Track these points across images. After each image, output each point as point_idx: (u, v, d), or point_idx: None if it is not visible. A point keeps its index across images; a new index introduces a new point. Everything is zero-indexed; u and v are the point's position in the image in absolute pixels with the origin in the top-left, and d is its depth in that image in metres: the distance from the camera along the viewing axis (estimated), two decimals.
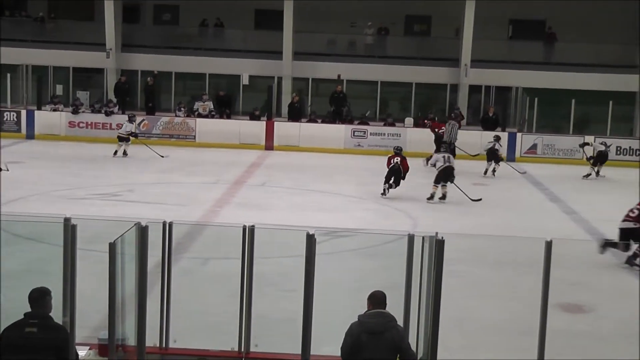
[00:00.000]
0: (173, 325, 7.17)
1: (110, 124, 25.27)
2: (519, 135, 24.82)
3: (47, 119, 25.48)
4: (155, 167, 20.67)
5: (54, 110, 25.77)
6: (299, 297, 6.52)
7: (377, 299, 5.84)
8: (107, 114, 25.50)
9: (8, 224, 9.84)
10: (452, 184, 17.46)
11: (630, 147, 24.73)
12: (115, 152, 22.43)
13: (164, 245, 6.98)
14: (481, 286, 10.84)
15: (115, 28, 28.09)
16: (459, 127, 23.36)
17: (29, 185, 16.81)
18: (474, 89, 28.38)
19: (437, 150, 20.52)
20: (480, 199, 17.33)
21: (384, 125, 26.06)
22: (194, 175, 19.81)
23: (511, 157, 23.90)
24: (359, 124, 26.02)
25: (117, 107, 26.21)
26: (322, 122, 26.20)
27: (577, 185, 20.77)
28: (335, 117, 26.51)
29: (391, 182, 17.60)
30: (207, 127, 25.31)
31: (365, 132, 25.34)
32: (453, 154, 20.23)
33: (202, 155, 23.21)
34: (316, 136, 25.07)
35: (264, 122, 25.47)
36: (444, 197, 17.32)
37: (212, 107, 26.32)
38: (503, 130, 25.10)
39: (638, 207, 12.94)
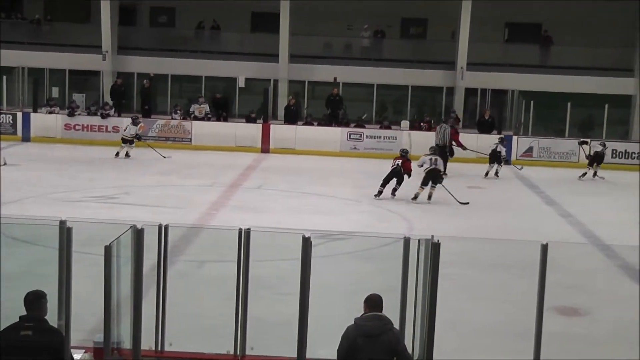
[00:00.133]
0: (168, 328, 7.16)
1: (107, 127, 25.28)
2: (514, 138, 24.84)
3: (43, 121, 25.45)
4: (151, 170, 20.66)
5: (50, 112, 25.73)
6: (294, 300, 6.52)
7: (373, 302, 5.84)
8: (103, 116, 25.49)
9: (3, 227, 9.82)
10: (441, 185, 17.51)
11: (625, 150, 24.77)
12: (117, 154, 22.51)
13: (160, 248, 6.98)
14: (477, 289, 10.83)
15: (112, 30, 28.09)
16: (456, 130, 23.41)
17: (25, 187, 16.79)
18: (470, 92, 28.42)
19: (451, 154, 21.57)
20: (467, 203, 17.35)
21: (380, 128, 26.07)
22: (190, 178, 19.79)
23: (507, 161, 23.88)
24: (355, 126, 26.03)
25: (113, 109, 26.19)
26: (318, 124, 26.20)
27: (573, 188, 20.79)
28: (331, 120, 26.51)
29: (394, 185, 17.66)
30: (203, 129, 25.30)
31: (361, 135, 25.36)
32: (444, 156, 20.32)
33: (198, 157, 23.20)
34: (312, 139, 25.07)
35: (260, 125, 25.47)
36: (429, 197, 17.47)
37: (208, 109, 26.31)
38: (499, 133, 25.12)
39: None
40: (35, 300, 5.61)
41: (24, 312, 5.59)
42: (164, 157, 22.33)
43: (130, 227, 6.61)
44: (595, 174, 22.34)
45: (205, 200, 16.49)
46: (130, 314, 6.74)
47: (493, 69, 27.95)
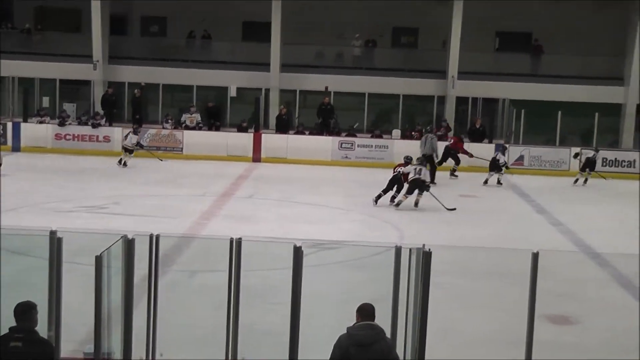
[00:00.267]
0: (160, 338, 7.13)
1: (98, 136, 25.25)
2: (506, 146, 24.82)
3: (34, 131, 25.39)
4: (142, 180, 20.61)
5: (41, 122, 25.67)
6: (286, 310, 6.52)
7: (366, 312, 5.83)
8: (94, 126, 25.45)
9: None
10: (428, 192, 17.66)
11: (616, 158, 24.86)
12: (120, 161, 22.71)
13: (151, 258, 6.95)
14: (468, 298, 10.83)
15: (102, 40, 28.05)
16: (447, 139, 23.45)
17: (15, 197, 16.70)
18: (461, 101, 28.48)
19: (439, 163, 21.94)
20: (454, 209, 17.46)
21: (372, 137, 26.10)
22: (181, 187, 19.77)
23: (506, 168, 23.92)
24: (346, 135, 26.05)
25: (104, 119, 26.15)
26: (310, 134, 26.21)
27: (563, 196, 20.83)
28: (322, 129, 26.52)
29: (394, 191, 17.79)
30: (195, 139, 25.28)
31: (352, 144, 25.37)
32: (433, 166, 20.50)
33: (190, 167, 23.17)
34: (304, 148, 25.08)
35: (252, 134, 25.47)
36: (416, 204, 17.66)
37: (199, 119, 26.30)
38: (490, 142, 25.23)
39: None
40: (25, 311, 5.58)
41: (14, 323, 5.56)
42: (161, 161, 23.00)
43: (121, 237, 6.59)
44: (586, 180, 22.55)
45: (196, 210, 16.46)
46: (121, 324, 6.72)
47: (484, 78, 28.00)
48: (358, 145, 25.31)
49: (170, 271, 10.58)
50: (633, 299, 11.10)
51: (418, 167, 17.99)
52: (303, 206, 17.87)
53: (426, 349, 6.54)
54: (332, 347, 5.74)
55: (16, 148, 24.99)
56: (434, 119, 28.50)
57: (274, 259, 9.69)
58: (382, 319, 6.07)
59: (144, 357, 7.03)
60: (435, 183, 20.09)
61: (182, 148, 25.16)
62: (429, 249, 6.43)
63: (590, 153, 23.00)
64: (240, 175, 22.12)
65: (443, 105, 28.36)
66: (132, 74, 28.64)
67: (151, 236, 6.90)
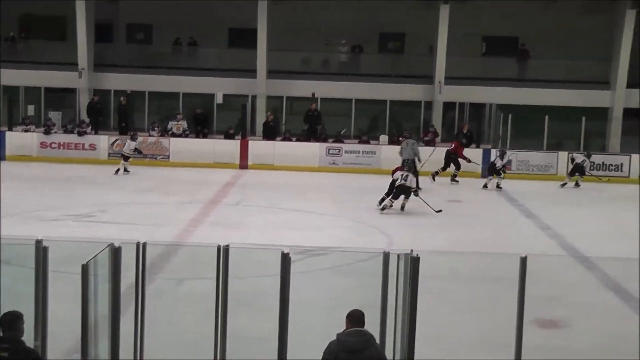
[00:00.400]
0: (147, 346, 7.11)
1: (83, 144, 25.14)
2: (493, 151, 24.88)
3: (19, 139, 25.27)
4: (129, 188, 20.53)
5: (26, 131, 25.54)
6: (274, 316, 6.49)
7: (355, 318, 5.82)
8: (80, 134, 25.35)
9: None
10: (417, 197, 17.82)
11: (603, 162, 24.93)
12: (117, 170, 22.65)
13: (138, 266, 6.92)
14: (457, 303, 10.81)
15: (88, 47, 27.95)
16: (434, 144, 23.49)
17: (1, 206, 16.56)
18: (449, 106, 28.53)
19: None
20: (440, 210, 17.55)
21: (359, 143, 26.10)
22: (168, 195, 19.68)
23: (485, 174, 23.97)
24: (333, 142, 26.03)
25: (90, 127, 26.05)
26: (297, 140, 26.18)
27: (551, 200, 20.87)
28: (309, 135, 26.50)
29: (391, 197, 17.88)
30: (181, 146, 25.21)
31: (340, 150, 25.36)
32: (415, 171, 20.57)
33: (176, 174, 23.08)
34: (291, 155, 25.05)
35: (239, 141, 25.41)
36: (402, 208, 17.81)
37: (185, 126, 26.24)
38: (477, 147, 25.27)
39: None
40: (11, 321, 5.53)
41: (0, 334, 5.50)
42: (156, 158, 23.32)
43: (108, 245, 6.55)
44: (576, 183, 22.88)
45: (183, 217, 16.38)
46: (108, 333, 6.67)
47: (471, 83, 28.07)
48: (345, 152, 25.30)
49: (157, 279, 10.53)
50: (621, 302, 11.12)
51: (405, 174, 18.06)
52: (290, 213, 17.83)
53: (415, 354, 6.52)
54: (321, 354, 5.71)
55: (1, 157, 24.84)
56: (421, 124, 28.54)
57: (261, 266, 9.65)
58: (371, 325, 6.05)
59: None
60: (420, 188, 20.11)
61: (168, 155, 25.07)
62: (417, 255, 6.42)
63: (579, 158, 23.21)
64: (227, 182, 22.05)
65: (430, 110, 28.40)
66: (118, 81, 28.56)
67: (138, 244, 6.88)
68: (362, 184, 22.16)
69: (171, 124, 26.23)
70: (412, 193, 17.90)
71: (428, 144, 25.90)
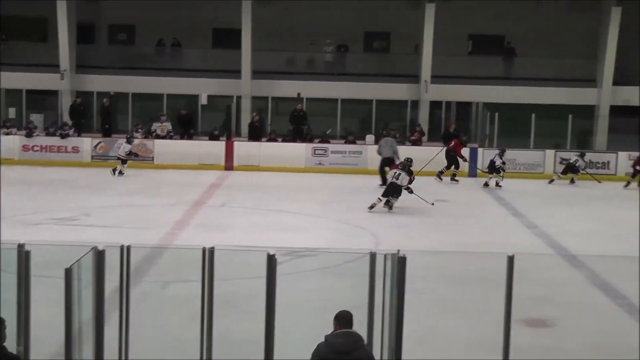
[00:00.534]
0: (132, 351, 7.05)
1: (66, 147, 24.96)
2: (480, 150, 24.90)
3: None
4: (113, 190, 20.37)
5: (7, 134, 25.31)
6: (261, 319, 6.43)
7: (343, 319, 5.79)
8: (63, 136, 25.18)
9: None
10: (413, 194, 17.95)
11: (590, 160, 24.94)
12: (114, 171, 22.67)
13: (122, 269, 6.86)
14: (445, 303, 10.78)
15: (70, 49, 27.74)
16: (420, 144, 23.47)
17: None
18: (435, 105, 28.52)
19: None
20: (434, 203, 17.93)
21: (345, 143, 26.04)
22: (152, 197, 19.56)
23: (473, 173, 24.01)
24: (319, 142, 25.97)
25: (73, 129, 25.87)
26: (283, 141, 26.10)
27: (539, 199, 20.89)
28: (295, 135, 26.42)
29: (389, 197, 17.92)
30: (166, 148, 25.06)
31: (326, 150, 25.30)
32: (407, 170, 20.62)
33: (161, 176, 22.98)
34: (276, 155, 24.97)
35: (224, 142, 25.30)
36: (390, 207, 17.88)
37: (170, 127, 26.12)
38: (464, 146, 25.23)
39: None
40: None
41: None
42: (151, 159, 23.29)
43: (91, 248, 6.48)
44: (572, 180, 23.36)
45: (168, 220, 16.27)
46: (92, 337, 6.59)
47: (457, 82, 28.08)
48: (332, 152, 25.25)
49: (142, 282, 10.45)
50: (609, 300, 11.12)
51: (397, 172, 18.08)
52: (277, 214, 17.75)
53: (403, 355, 6.48)
54: (309, 356, 5.67)
55: None
56: (407, 123, 28.53)
57: (247, 268, 9.57)
58: (359, 326, 6.01)
59: None
60: (409, 187, 20.16)
61: (152, 157, 24.93)
62: (404, 255, 6.39)
63: (572, 157, 23.63)
64: (213, 183, 21.95)
65: (417, 110, 28.38)
66: (100, 83, 28.39)
67: (122, 247, 6.81)
68: (349, 184, 22.11)
69: (155, 126, 26.10)
70: (405, 191, 17.91)
71: (415, 143, 25.94)
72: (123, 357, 6.95)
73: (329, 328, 5.79)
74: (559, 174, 23.78)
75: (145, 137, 25.56)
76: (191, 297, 7.07)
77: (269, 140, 26.11)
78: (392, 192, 17.89)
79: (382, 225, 16.46)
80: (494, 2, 28.43)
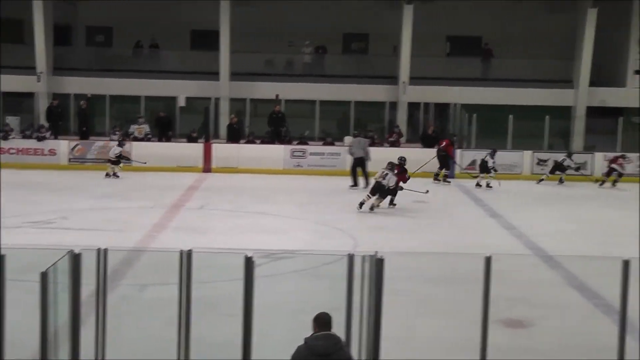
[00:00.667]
0: (109, 355, 7.00)
1: (43, 150, 24.79)
2: (458, 151, 24.99)
3: None
4: (89, 193, 20.24)
5: None
6: (239, 321, 6.41)
7: (323, 321, 5.78)
8: (39, 139, 25.00)
9: None
10: (404, 190, 18.35)
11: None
12: (108, 174, 22.75)
13: (99, 272, 6.83)
14: (423, 304, 10.79)
15: (46, 50, 27.55)
16: (399, 145, 23.51)
17: None
18: (413, 106, 28.59)
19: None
20: (427, 191, 19.17)
21: (323, 144, 26.05)
22: (130, 200, 19.46)
23: (451, 174, 24.08)
24: (298, 144, 25.95)
25: (50, 132, 25.69)
26: (261, 142, 26.07)
27: (516, 200, 20.99)
28: (274, 137, 26.39)
29: (376, 197, 18.04)
30: (144, 150, 24.90)
31: (304, 152, 25.30)
32: (364, 168, 21.33)
33: (139, 179, 22.86)
34: (255, 157, 24.92)
35: (202, 144, 25.22)
36: (371, 208, 17.96)
37: (148, 129, 26.00)
38: (454, 147, 25.31)
39: None
40: None
41: None
42: (144, 163, 23.23)
43: (68, 252, 6.43)
44: (560, 179, 23.69)
45: (146, 223, 16.19)
46: (68, 341, 6.54)
47: (435, 83, 28.16)
48: (310, 153, 25.24)
49: (120, 285, 10.40)
50: (585, 300, 11.18)
51: (385, 172, 18.14)
52: (255, 216, 17.71)
53: (381, 356, 6.49)
54: (288, 358, 5.66)
55: None
56: (386, 125, 28.57)
57: (226, 270, 9.55)
58: (338, 328, 6.01)
59: None
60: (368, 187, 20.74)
61: (130, 160, 24.76)
62: (381, 256, 6.39)
63: (560, 157, 24.00)
64: (191, 186, 21.87)
65: (395, 111, 28.44)
66: (77, 85, 28.21)
67: (99, 250, 6.78)
68: (327, 186, 22.11)
69: (133, 128, 25.98)
70: (392, 193, 18.14)
71: (393, 144, 25.97)
72: (99, 359, 6.91)
73: (307, 330, 5.78)
74: (547, 173, 24.05)
75: (123, 139, 25.42)
76: (169, 300, 7.04)
77: (248, 142, 26.06)
78: (376, 192, 17.97)
79: (360, 227, 16.47)
80: (472, 4, 28.59)
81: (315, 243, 14.65)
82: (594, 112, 27.95)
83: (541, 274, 12.73)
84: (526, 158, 25.03)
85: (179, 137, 26.99)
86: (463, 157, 24.78)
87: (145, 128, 25.97)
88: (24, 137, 25.59)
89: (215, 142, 25.73)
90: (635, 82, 28.53)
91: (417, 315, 10.18)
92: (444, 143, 23.96)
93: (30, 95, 28.18)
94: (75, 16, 30.59)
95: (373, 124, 28.43)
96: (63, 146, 25.00)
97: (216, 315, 9.20)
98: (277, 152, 25.26)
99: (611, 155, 24.68)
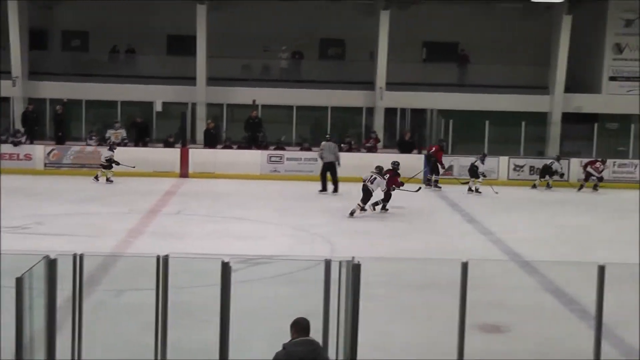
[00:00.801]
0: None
1: (18, 155, 24.60)
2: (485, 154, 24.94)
3: None
4: (65, 198, 20.12)
5: None
6: (216, 327, 6.38)
7: (301, 326, 5.77)
8: (15, 144, 24.82)
9: None
10: (396, 189, 18.66)
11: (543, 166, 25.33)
12: (96, 177, 22.90)
13: (75, 278, 6.80)
14: (399, 309, 10.82)
15: (22, 55, 27.30)
16: (375, 150, 23.55)
17: None
18: (390, 112, 28.64)
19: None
20: (419, 189, 19.91)
21: (300, 150, 26.04)
22: (106, 205, 19.35)
23: (427, 180, 24.11)
24: (274, 149, 25.93)
25: (25, 137, 25.50)
26: (238, 148, 26.03)
27: (493, 206, 21.08)
28: (250, 142, 26.36)
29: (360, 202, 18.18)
30: (120, 155, 24.70)
31: (281, 157, 25.29)
32: (334, 173, 21.53)
33: (115, 184, 22.77)
34: (232, 162, 24.88)
35: (179, 149, 25.14)
36: (351, 213, 18.07)
37: (124, 134, 25.87)
38: (419, 153, 25.42)
39: None
40: None
41: None
42: (133, 167, 23.10)
43: (43, 257, 6.39)
44: (548, 184, 24.00)
45: (122, 228, 16.11)
46: (44, 347, 6.50)
47: (412, 89, 28.22)
48: (287, 159, 25.24)
49: (97, 291, 10.33)
50: (561, 305, 11.24)
51: (373, 176, 18.23)
52: (232, 221, 17.68)
53: None
54: None
55: None
56: (362, 130, 28.61)
57: (202, 276, 9.50)
58: (314, 332, 6.00)
59: None
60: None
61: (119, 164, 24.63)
62: (358, 262, 6.40)
63: (548, 161, 24.37)
64: (168, 191, 21.79)
65: (372, 116, 28.49)
66: (53, 90, 28.01)
67: (75, 256, 6.74)
68: (305, 191, 22.10)
69: (109, 133, 25.85)
70: (390, 193, 18.51)
71: (370, 150, 26.02)
72: None
73: (285, 335, 5.77)
74: (539, 178, 24.41)
75: (100, 145, 25.30)
76: (146, 305, 7.00)
77: (225, 147, 26.02)
78: (364, 196, 18.10)
79: (338, 232, 16.48)
80: (448, 10, 28.72)
81: (292, 248, 14.65)
82: (569, 118, 28.15)
83: (518, 279, 12.80)
84: (502, 164, 25.15)
85: (156, 142, 26.85)
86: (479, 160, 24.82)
87: (122, 133, 25.84)
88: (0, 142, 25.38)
89: (192, 147, 25.66)
90: (611, 88, 28.79)
91: (393, 321, 10.20)
92: (434, 149, 24.06)
93: (5, 100, 27.88)
94: (51, 21, 30.37)
95: (350, 129, 28.46)
96: (39, 151, 24.83)
97: (193, 321, 9.17)
98: (254, 158, 25.23)
99: (585, 160, 24.92)
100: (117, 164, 23.14)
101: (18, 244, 13.76)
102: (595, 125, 26.62)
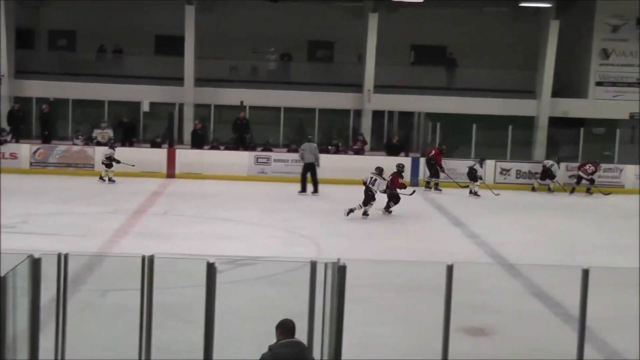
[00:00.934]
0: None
1: (4, 154, 24.46)
2: (422, 160, 25.05)
3: None
4: (51, 198, 20.04)
5: None
6: (201, 328, 6.37)
7: (287, 328, 5.77)
8: (0, 143, 24.68)
9: None
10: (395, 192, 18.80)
11: (529, 170, 25.45)
12: (101, 178, 22.82)
13: (59, 278, 6.77)
14: (386, 312, 10.83)
15: (8, 54, 27.19)
16: (363, 153, 23.55)
17: None
18: (378, 114, 28.66)
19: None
20: (414, 192, 19.73)
21: (288, 151, 26.03)
22: (92, 205, 19.27)
23: (415, 182, 24.16)
24: (262, 150, 25.91)
25: (11, 135, 25.37)
26: (225, 149, 25.98)
27: (479, 209, 21.11)
28: (238, 144, 26.33)
29: (362, 203, 18.21)
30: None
31: (268, 158, 25.26)
32: (314, 174, 21.64)
33: (101, 184, 22.69)
34: (219, 163, 24.83)
35: (166, 150, 25.08)
36: (346, 213, 18.06)
37: (111, 134, 25.79)
38: (406, 156, 25.45)
39: None
40: None
41: None
42: (133, 166, 23.01)
43: (27, 256, 6.36)
44: (549, 188, 24.24)
45: (108, 228, 16.06)
46: (27, 347, 6.46)
47: (400, 92, 28.25)
48: (274, 160, 25.20)
49: (81, 291, 10.28)
50: (546, 308, 11.28)
51: (373, 177, 18.25)
52: (219, 222, 17.66)
53: None
54: None
55: None
56: (350, 132, 28.63)
57: (188, 277, 9.49)
58: (299, 334, 6.01)
59: None
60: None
61: (93, 164, 24.57)
62: (344, 264, 6.40)
63: (548, 163, 24.50)
64: (154, 191, 21.73)
65: (359, 119, 28.50)
66: (40, 89, 27.92)
67: (59, 255, 6.71)
68: (292, 192, 22.08)
69: (96, 133, 25.77)
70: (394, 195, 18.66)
71: (357, 152, 26.04)
72: None
73: (270, 337, 5.76)
74: (538, 181, 24.58)
75: (86, 144, 25.22)
76: (131, 306, 6.98)
77: (212, 148, 25.98)
78: (369, 198, 18.13)
79: (324, 234, 16.48)
80: (437, 13, 28.78)
81: (279, 250, 14.63)
82: (556, 123, 28.25)
83: (503, 282, 12.82)
84: (489, 167, 25.21)
85: (143, 142, 26.78)
86: (426, 165, 24.86)
87: (109, 133, 25.76)
88: None
89: (179, 148, 25.59)
90: (597, 93, 28.93)
91: (378, 322, 10.20)
92: (433, 152, 24.09)
93: None
94: (38, 20, 30.29)
95: (337, 131, 28.47)
96: (24, 150, 24.71)
97: (178, 322, 9.15)
98: (241, 159, 25.19)
99: (573, 165, 25.05)
100: (118, 162, 23.03)
101: (3, 243, 13.67)
102: (582, 129, 26.71)
